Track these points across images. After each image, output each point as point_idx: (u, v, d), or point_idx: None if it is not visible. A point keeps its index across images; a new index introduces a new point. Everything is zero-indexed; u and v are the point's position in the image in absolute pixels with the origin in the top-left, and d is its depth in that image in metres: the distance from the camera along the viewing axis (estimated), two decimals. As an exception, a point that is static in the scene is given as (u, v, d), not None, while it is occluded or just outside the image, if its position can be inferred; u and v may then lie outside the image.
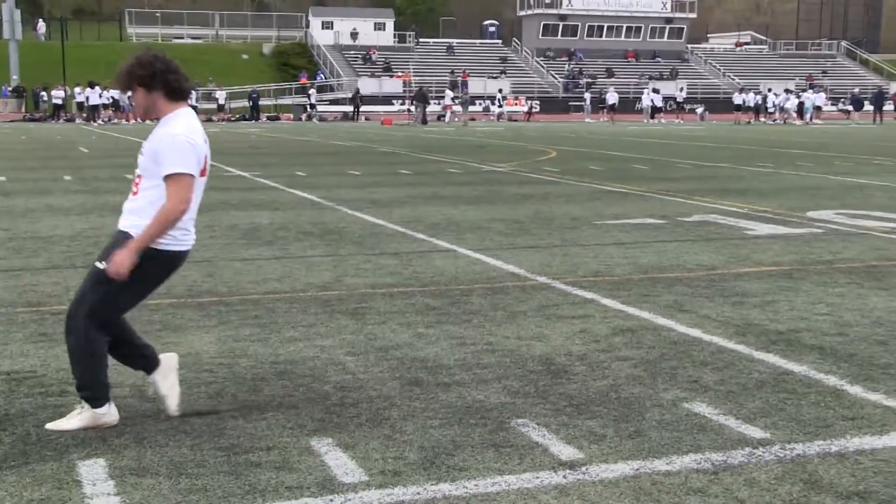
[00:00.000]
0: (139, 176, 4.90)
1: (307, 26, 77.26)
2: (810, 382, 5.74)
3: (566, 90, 69.71)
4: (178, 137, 4.79)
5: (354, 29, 76.32)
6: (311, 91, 59.82)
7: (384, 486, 4.26)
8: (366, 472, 4.40)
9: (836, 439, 4.80)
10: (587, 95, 61.28)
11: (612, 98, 58.73)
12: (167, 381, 5.14)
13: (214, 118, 55.99)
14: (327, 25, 76.04)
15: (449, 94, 57.24)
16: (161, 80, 4.86)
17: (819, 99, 60.19)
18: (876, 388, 5.62)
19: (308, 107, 58.02)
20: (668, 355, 6.33)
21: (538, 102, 66.30)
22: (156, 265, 4.87)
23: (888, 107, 61.65)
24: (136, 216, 4.84)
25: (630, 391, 5.58)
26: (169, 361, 5.20)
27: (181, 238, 4.91)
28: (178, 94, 4.92)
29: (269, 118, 58.60)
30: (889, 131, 44.80)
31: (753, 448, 4.68)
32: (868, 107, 59.12)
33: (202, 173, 4.91)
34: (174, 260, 4.96)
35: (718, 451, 4.64)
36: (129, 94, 4.99)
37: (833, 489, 4.21)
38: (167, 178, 4.76)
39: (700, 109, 62.22)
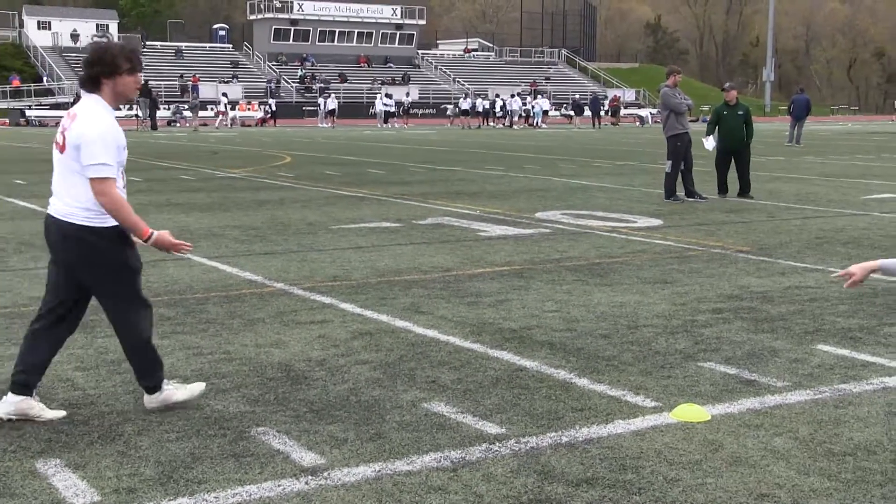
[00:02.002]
0: None
1: (21, 26, 73.20)
2: (542, 377, 5.97)
3: (271, 95, 68.65)
4: None
5: (75, 30, 73.04)
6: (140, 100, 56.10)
7: (119, 505, 4.09)
8: (98, 492, 4.20)
9: (566, 430, 5.01)
10: (321, 101, 61.27)
11: (332, 103, 58.92)
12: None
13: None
14: (44, 26, 72.35)
15: (223, 100, 55.91)
16: None
17: (545, 104, 63.05)
18: (601, 379, 5.92)
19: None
20: (406, 357, 6.42)
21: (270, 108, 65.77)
22: None
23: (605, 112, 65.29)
24: None
25: (370, 394, 5.61)
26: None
27: None
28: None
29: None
30: (606, 135, 47.42)
31: (490, 444, 4.81)
32: (588, 112, 62.32)
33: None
34: None
35: (457, 449, 4.74)
36: None
37: (564, 478, 4.39)
38: None
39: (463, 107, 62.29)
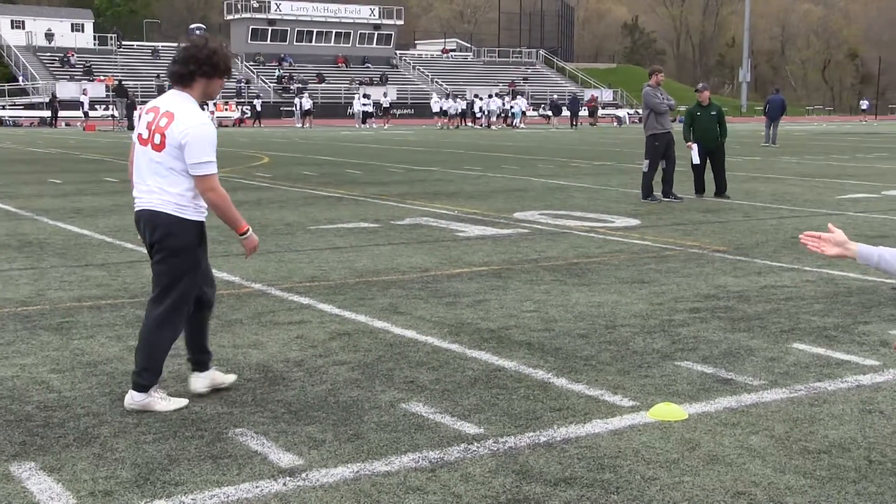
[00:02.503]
0: None
1: (-6, 25, 72.75)
2: (520, 377, 5.98)
3: (239, 95, 67.94)
4: None
5: (49, 30, 72.59)
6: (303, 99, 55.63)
7: (95, 508, 4.06)
8: (74, 495, 4.17)
9: (544, 430, 5.02)
10: (297, 101, 61.09)
11: (306, 103, 58.74)
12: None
13: None
14: (18, 25, 71.86)
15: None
16: None
17: (523, 104, 63.20)
18: (579, 379, 5.93)
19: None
20: (384, 357, 6.41)
21: (249, 108, 65.58)
22: None
23: (583, 112, 65.43)
24: None
25: (348, 395, 5.60)
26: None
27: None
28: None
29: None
30: (584, 135, 47.53)
31: (468, 444, 4.81)
32: (566, 112, 62.49)
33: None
34: None
35: (435, 449, 4.74)
36: None
37: (542, 478, 4.39)
38: None
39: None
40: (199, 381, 5.55)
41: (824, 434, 4.97)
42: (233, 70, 5.42)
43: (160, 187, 5.23)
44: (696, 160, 16.82)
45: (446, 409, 5.33)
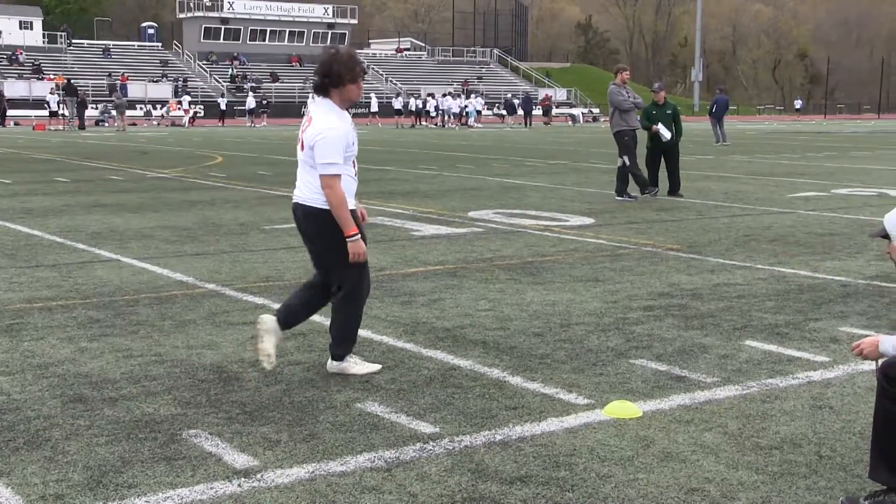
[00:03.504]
0: None
1: (-59, 22, 71.58)
2: (476, 376, 5.99)
3: (176, 94, 67.00)
4: None
5: (-3, 26, 71.58)
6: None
7: (46, 512, 4.01)
8: (24, 499, 4.12)
9: (500, 429, 5.03)
10: (249, 100, 60.64)
11: (251, 102, 58.52)
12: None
13: None
14: (-37, 22, 70.77)
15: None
16: None
17: (479, 104, 63.32)
18: (534, 377, 5.95)
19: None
20: (339, 357, 6.38)
21: (202, 107, 65.11)
22: None
23: (537, 111, 65.71)
24: None
25: (303, 395, 5.58)
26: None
27: None
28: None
29: None
30: (538, 135, 47.69)
31: (424, 443, 4.81)
32: (521, 111, 62.67)
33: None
34: None
35: (391, 449, 4.73)
36: None
37: (498, 476, 4.41)
38: None
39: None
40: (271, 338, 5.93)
41: (776, 430, 5.02)
42: (363, 71, 5.95)
43: (311, 182, 5.89)
44: (667, 135, 16.88)
45: (402, 409, 5.33)
